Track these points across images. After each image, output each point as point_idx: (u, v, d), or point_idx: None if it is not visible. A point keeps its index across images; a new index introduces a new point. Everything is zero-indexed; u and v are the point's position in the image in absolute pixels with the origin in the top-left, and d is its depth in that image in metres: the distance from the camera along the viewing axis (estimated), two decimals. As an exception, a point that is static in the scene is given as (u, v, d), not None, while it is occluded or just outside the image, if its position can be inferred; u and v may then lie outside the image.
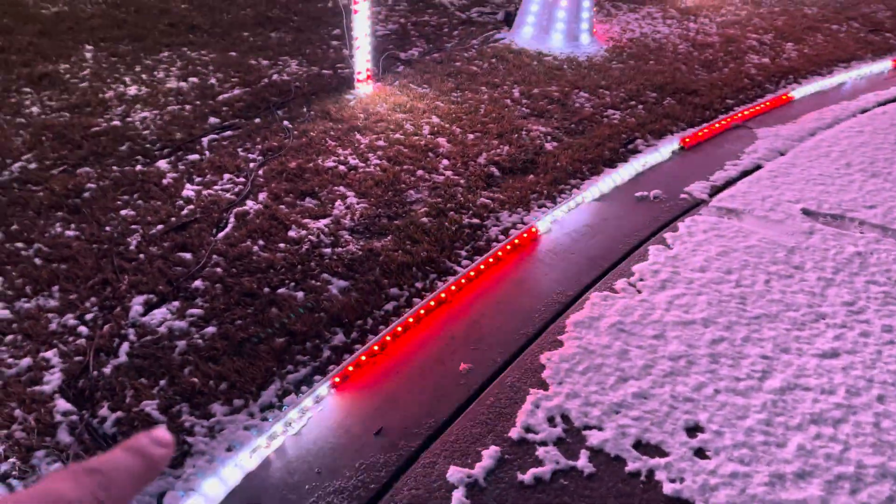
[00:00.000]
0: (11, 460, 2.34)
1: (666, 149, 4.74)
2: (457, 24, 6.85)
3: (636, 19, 7.24)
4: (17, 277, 3.14)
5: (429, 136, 4.60)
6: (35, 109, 4.61)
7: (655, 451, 2.62)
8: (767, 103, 5.48)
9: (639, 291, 3.44)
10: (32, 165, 3.99)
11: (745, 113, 5.31)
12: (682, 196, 4.28)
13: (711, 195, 4.31)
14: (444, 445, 2.61)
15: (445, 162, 4.33)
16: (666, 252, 3.75)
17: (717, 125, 5.08)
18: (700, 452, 2.62)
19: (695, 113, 5.24)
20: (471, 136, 4.64)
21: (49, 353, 2.76)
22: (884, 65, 6.44)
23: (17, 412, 2.50)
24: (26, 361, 2.72)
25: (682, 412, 2.78)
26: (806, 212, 4.17)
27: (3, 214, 3.54)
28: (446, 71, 5.66)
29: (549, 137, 4.74)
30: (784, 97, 5.65)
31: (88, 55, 5.54)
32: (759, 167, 4.67)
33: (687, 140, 4.86)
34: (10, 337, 2.83)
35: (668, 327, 3.21)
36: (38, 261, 3.25)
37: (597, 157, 4.52)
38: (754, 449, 2.64)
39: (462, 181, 4.14)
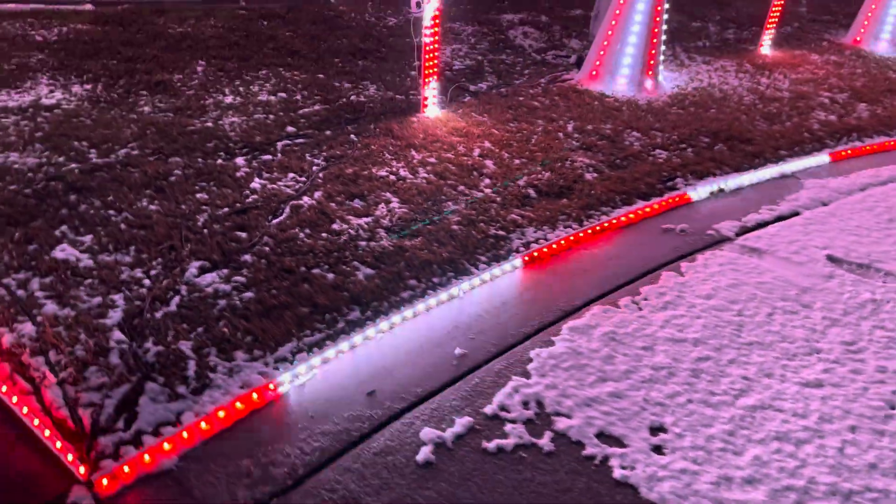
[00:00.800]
0: (69, 370, 2.88)
1: (704, 189, 4.93)
2: (530, 64, 7.30)
3: (707, 70, 7.43)
4: (104, 236, 3.77)
5: (477, 158, 5.01)
6: (146, 109, 5.40)
7: (615, 442, 2.85)
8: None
9: (640, 308, 3.66)
10: (135, 152, 4.70)
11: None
12: (709, 232, 4.46)
13: (738, 234, 4.46)
14: (424, 411, 2.94)
15: (487, 181, 4.72)
16: (677, 278, 3.95)
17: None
18: (657, 449, 2.82)
19: (744, 160, 5.39)
20: (517, 161, 5.02)
21: (116, 296, 3.33)
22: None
23: (82, 336, 3.06)
24: (97, 300, 3.30)
25: (651, 414, 2.99)
26: (831, 258, 4.24)
27: (104, 187, 4.23)
28: (508, 104, 6.09)
29: (591, 169, 5.04)
30: (844, 153, 5.69)
31: (199, 69, 6.36)
32: (795, 214, 4.77)
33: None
34: (88, 280, 3.43)
35: (659, 342, 3.42)
36: (122, 226, 3.88)
37: (632, 189, 4.78)
38: (710, 453, 2.81)
39: (499, 199, 4.52)
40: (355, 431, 2.81)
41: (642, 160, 5.26)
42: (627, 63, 6.53)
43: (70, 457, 2.53)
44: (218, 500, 2.49)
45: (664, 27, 6.61)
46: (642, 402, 3.04)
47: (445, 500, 2.55)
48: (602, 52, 6.65)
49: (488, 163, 4.96)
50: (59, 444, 2.57)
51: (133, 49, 6.66)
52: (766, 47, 8.26)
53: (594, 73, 6.72)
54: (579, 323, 3.50)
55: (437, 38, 5.41)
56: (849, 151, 5.76)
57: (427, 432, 2.81)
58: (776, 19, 8.15)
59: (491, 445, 2.78)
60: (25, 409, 2.69)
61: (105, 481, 2.48)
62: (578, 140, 5.49)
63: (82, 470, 2.50)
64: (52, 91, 5.51)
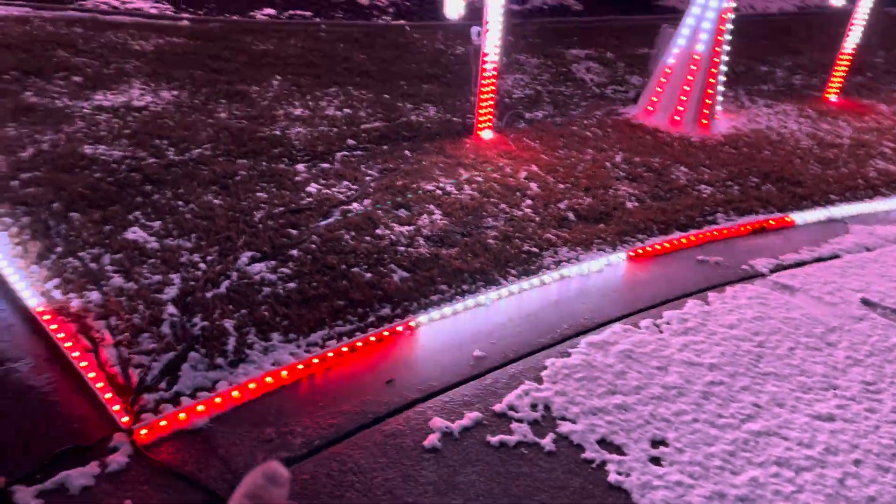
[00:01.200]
0: (125, 334, 3.23)
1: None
2: (588, 97, 7.50)
3: (768, 113, 7.43)
4: (171, 224, 4.16)
5: (522, 179, 5.23)
6: (223, 115, 5.87)
7: (615, 449, 2.97)
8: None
9: (660, 331, 3.77)
10: (207, 152, 5.14)
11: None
12: (744, 267, 4.51)
13: (773, 271, 4.50)
14: (437, 403, 3.14)
15: (529, 202, 4.92)
16: (702, 307, 4.03)
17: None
18: (656, 460, 2.93)
19: (791, 201, 5.41)
20: (560, 186, 5.21)
21: (174, 276, 3.69)
22: None
23: (140, 307, 3.41)
24: (157, 277, 3.66)
25: (654, 428, 3.10)
26: (865, 301, 4.23)
27: (177, 181, 4.65)
28: (560, 132, 6.30)
29: (633, 198, 5.17)
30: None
31: (276, 83, 6.84)
32: (836, 256, 4.76)
33: (772, 222, 5.06)
34: (152, 260, 3.80)
35: (674, 363, 3.52)
36: (188, 216, 4.27)
37: (671, 220, 4.88)
38: (707, 469, 2.90)
39: (538, 218, 4.71)
40: (371, 414, 3.04)
41: (686, 194, 5.36)
42: (683, 100, 6.64)
43: (116, 407, 2.86)
44: (240, 460, 2.75)
45: (724, 68, 6.69)
46: (648, 416, 3.15)
47: (443, 481, 2.74)
48: (659, 89, 6.78)
49: (532, 185, 5.17)
50: (108, 396, 2.89)
51: (218, 62, 7.21)
52: (832, 95, 8.19)
53: (650, 108, 6.85)
54: (597, 339, 3.64)
55: (495, 66, 5.69)
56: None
57: (437, 421, 3.01)
58: (845, 67, 8.08)
59: (495, 440, 2.95)
60: (84, 364, 3.04)
61: (144, 432, 2.78)
62: (625, 171, 5.63)
63: (125, 420, 2.81)
64: (142, 94, 6.06)
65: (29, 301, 3.38)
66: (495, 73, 5.74)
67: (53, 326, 3.23)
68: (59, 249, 3.78)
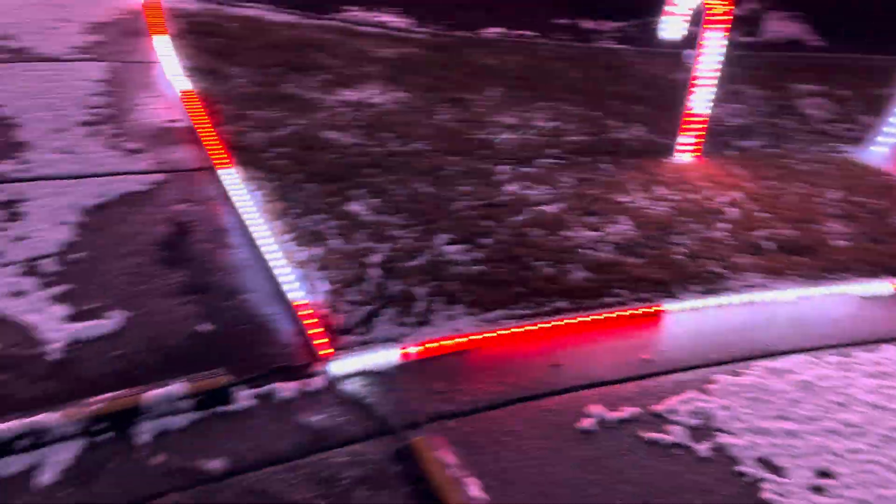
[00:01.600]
0: (338, 285, 3.77)
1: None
2: (810, 132, 7.05)
3: None
4: (385, 202, 4.72)
5: (721, 204, 5.14)
6: (442, 117, 6.44)
7: (775, 470, 2.90)
8: None
9: (847, 370, 3.56)
10: (423, 147, 5.70)
11: None
12: (966, 324, 4.07)
13: None
14: (597, 393, 3.29)
15: (723, 225, 4.84)
16: (907, 354, 3.72)
17: None
18: (818, 489, 2.82)
19: None
20: (761, 214, 5.04)
21: (381, 245, 4.21)
22: None
23: (350, 265, 3.96)
24: (368, 244, 4.21)
25: (823, 460, 2.97)
26: None
27: (395, 168, 5.24)
28: (771, 163, 6.04)
29: (843, 236, 4.86)
30: None
31: (493, 94, 7.33)
32: None
33: None
34: (367, 230, 4.37)
35: (857, 403, 3.32)
36: (400, 198, 4.81)
37: (883, 263, 4.52)
38: (876, 511, 2.73)
39: (731, 242, 4.62)
40: (532, 390, 3.27)
41: (909, 240, 4.91)
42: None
43: (321, 341, 3.37)
44: (412, 402, 3.13)
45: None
46: (817, 447, 3.03)
47: (590, 460, 2.89)
48: (889, 129, 6.23)
49: (730, 210, 5.06)
50: (316, 331, 3.43)
51: (445, 71, 7.88)
52: None
53: (884, 149, 6.32)
54: (776, 365, 3.54)
55: (706, 91, 5.65)
56: None
57: (595, 408, 3.16)
58: None
59: (649, 436, 3.04)
60: (301, 303, 3.61)
61: (339, 364, 3.27)
62: (838, 207, 5.28)
63: (327, 352, 3.32)
64: (377, 94, 6.84)
65: (265, 248, 4.07)
66: (706, 97, 5.70)
67: (282, 270, 3.86)
68: (295, 211, 4.48)
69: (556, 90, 7.69)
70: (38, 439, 2.72)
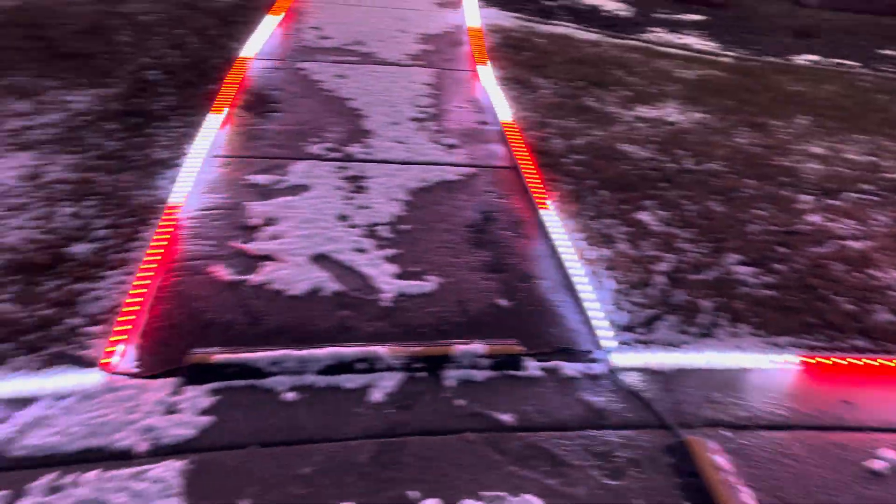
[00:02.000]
0: (624, 285, 4.00)
1: None
2: None
3: None
4: (674, 216, 4.83)
5: None
6: (741, 140, 6.30)
7: None
8: None
9: None
10: (719, 168, 5.65)
11: None
12: None
13: None
14: (891, 438, 3.09)
15: None
16: None
17: None
18: None
19: None
20: None
21: (668, 255, 4.34)
22: None
23: (637, 270, 4.16)
24: (654, 252, 4.37)
25: None
26: None
27: (684, 185, 5.30)
28: None
29: None
30: None
31: (801, 121, 6.95)
32: None
33: None
34: (653, 238, 4.52)
35: None
36: (690, 214, 4.87)
37: None
38: None
39: None
40: (820, 420, 3.18)
41: None
42: None
43: (603, 332, 3.63)
44: (689, 405, 3.24)
45: None
46: None
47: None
48: None
49: None
50: (600, 322, 3.69)
51: (748, 95, 7.64)
52: None
53: None
54: None
55: None
56: None
57: (888, 452, 2.99)
58: None
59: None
60: (589, 295, 3.90)
61: (619, 356, 3.50)
62: None
63: (610, 344, 3.57)
64: (675, 112, 6.89)
65: (559, 243, 4.43)
66: None
67: (572, 264, 4.19)
68: (588, 213, 4.80)
69: (875, 123, 7.05)
70: (371, 366, 3.37)
